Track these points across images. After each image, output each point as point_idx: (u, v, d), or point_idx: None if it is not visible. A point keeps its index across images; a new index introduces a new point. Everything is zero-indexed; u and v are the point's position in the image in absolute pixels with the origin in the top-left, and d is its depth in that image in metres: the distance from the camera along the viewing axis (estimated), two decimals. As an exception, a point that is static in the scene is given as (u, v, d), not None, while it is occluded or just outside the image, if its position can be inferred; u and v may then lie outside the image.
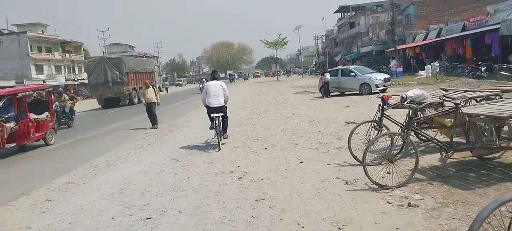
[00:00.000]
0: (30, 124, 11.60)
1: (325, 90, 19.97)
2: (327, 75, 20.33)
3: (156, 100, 13.52)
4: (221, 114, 8.60)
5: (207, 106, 8.78)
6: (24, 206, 5.80)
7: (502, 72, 18.56)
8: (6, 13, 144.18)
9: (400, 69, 31.33)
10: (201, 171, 6.67)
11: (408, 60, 37.81)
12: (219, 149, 8.28)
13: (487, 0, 38.32)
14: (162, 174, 6.74)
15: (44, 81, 48.48)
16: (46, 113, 12.75)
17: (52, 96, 13.24)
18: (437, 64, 27.11)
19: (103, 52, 61.25)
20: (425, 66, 28.82)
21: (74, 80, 56.65)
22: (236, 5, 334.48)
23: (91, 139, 13.02)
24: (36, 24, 56.08)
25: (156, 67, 36.94)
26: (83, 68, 62.40)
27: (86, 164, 8.45)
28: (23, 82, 44.85)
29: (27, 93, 12.08)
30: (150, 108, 13.44)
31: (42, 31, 56.49)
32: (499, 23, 22.04)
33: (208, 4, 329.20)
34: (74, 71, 59.48)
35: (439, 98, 6.34)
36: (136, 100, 27.57)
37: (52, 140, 12.51)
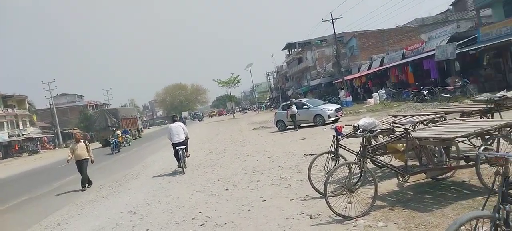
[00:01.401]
0: None
1: (293, 123, 19.79)
2: (294, 108, 20.11)
3: (88, 157, 11.57)
4: (184, 146, 11.33)
5: (172, 143, 11.41)
6: None
7: (442, 95, 19.82)
8: None
9: (350, 98, 32.67)
10: (160, 221, 6.39)
11: (355, 89, 39.38)
12: (184, 173, 10.74)
13: (420, 29, 41.73)
14: (119, 229, 6.37)
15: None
16: None
17: None
18: (383, 91, 28.56)
19: (50, 104, 58.51)
20: (373, 94, 30.21)
21: (18, 135, 53.31)
22: (187, 46, 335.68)
23: (40, 197, 12.13)
24: (-27, 80, 52.96)
25: (138, 113, 47.46)
26: (28, 123, 59.29)
27: (35, 226, 7.83)
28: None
29: None
30: (81, 167, 11.45)
31: (-20, 87, 53.32)
32: (434, 49, 23.83)
33: (157, 47, 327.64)
34: (18, 126, 56.05)
35: (390, 124, 6.56)
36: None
37: None
